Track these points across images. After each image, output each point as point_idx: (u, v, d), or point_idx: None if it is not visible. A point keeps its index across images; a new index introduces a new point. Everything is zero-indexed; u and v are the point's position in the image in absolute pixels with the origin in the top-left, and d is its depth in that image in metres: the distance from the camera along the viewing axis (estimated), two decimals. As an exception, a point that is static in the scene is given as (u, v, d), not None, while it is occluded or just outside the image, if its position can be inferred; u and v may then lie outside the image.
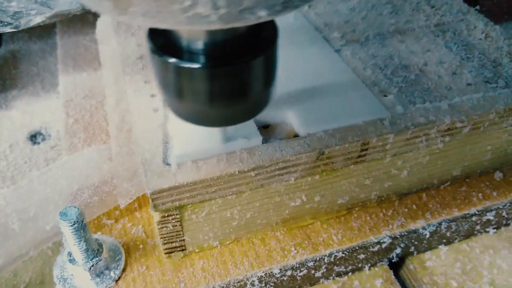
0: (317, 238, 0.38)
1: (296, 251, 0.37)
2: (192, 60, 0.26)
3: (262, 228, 0.38)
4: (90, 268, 0.34)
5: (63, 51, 0.57)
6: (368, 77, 0.40)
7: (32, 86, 0.55)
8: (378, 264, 0.40)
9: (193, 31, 0.26)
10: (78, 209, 0.32)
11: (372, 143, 0.35)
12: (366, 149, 0.35)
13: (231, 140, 0.34)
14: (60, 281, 0.35)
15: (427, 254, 0.41)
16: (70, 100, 0.49)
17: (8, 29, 0.50)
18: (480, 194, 0.41)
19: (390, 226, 0.39)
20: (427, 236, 0.39)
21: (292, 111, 0.37)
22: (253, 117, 0.30)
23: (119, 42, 0.45)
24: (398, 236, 0.39)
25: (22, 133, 0.49)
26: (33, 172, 0.44)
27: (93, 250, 0.34)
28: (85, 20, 0.60)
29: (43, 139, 0.48)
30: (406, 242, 0.39)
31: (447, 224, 0.40)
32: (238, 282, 0.36)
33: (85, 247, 0.33)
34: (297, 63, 0.42)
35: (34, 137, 0.49)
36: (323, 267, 0.38)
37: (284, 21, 0.48)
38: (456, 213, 0.40)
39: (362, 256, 0.38)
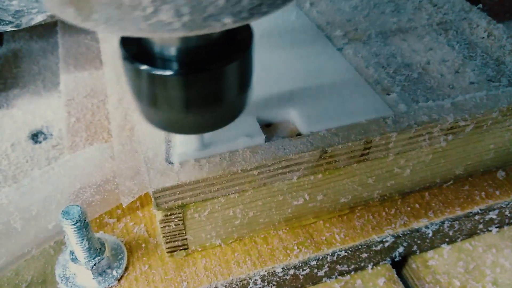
0: (320, 237, 0.38)
1: (298, 250, 0.37)
2: (164, 67, 0.25)
3: (265, 227, 0.38)
4: (93, 267, 0.34)
5: (65, 50, 0.57)
6: (370, 76, 0.40)
7: (33, 85, 0.55)
8: (380, 263, 0.40)
9: (165, 37, 0.25)
10: (80, 208, 0.32)
11: (375, 142, 0.35)
12: (369, 148, 0.35)
13: (233, 138, 0.34)
14: (62, 280, 0.35)
15: (430, 253, 0.40)
16: (72, 99, 0.49)
17: (9, 28, 0.50)
18: (483, 193, 0.41)
19: (393, 225, 0.39)
20: (430, 235, 0.39)
21: (295, 110, 0.37)
22: (228, 123, 0.29)
23: (120, 41, 0.45)
24: (400, 235, 0.38)
25: (24, 132, 0.49)
26: (35, 171, 0.44)
27: (95, 249, 0.34)
28: (86, 19, 0.60)
29: (45, 138, 0.48)
30: (409, 241, 0.39)
31: (449, 223, 0.39)
32: (241, 281, 0.35)
33: (87, 246, 0.33)
34: (299, 61, 0.42)
35: (35, 136, 0.48)
36: (325, 266, 0.38)
37: (286, 20, 0.48)
38: (459, 212, 0.40)
39: (364, 255, 0.38)
